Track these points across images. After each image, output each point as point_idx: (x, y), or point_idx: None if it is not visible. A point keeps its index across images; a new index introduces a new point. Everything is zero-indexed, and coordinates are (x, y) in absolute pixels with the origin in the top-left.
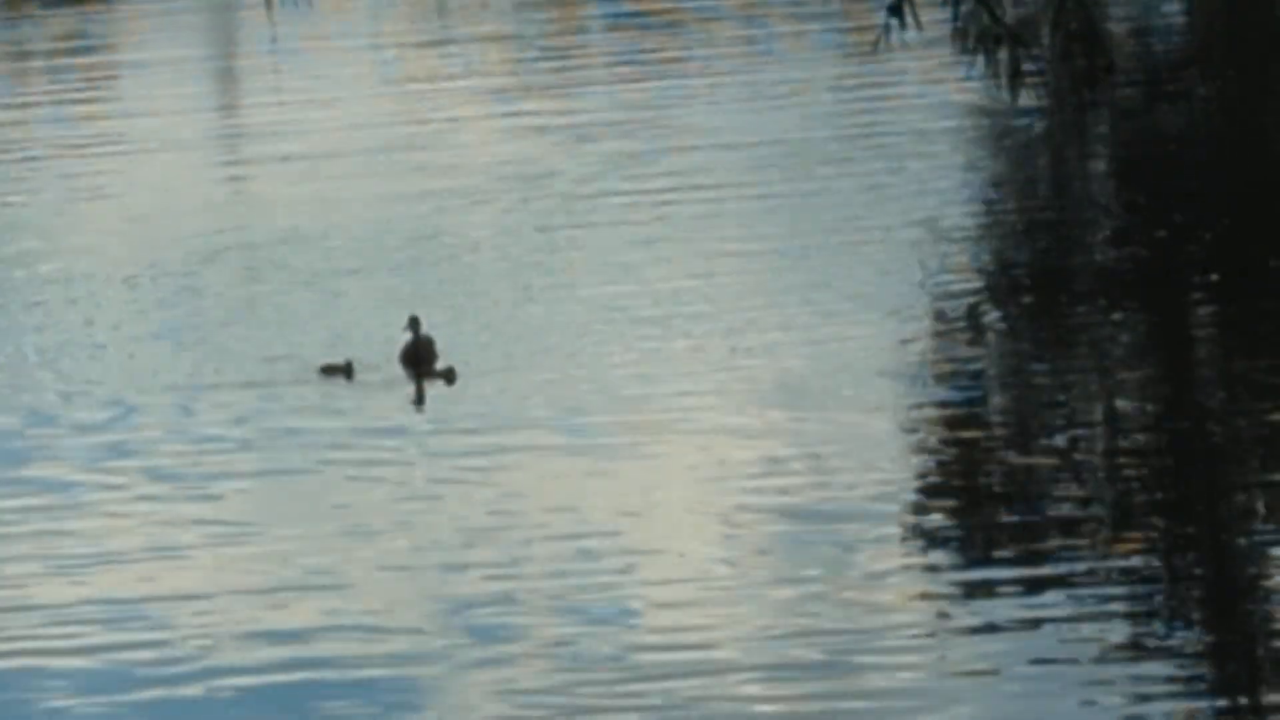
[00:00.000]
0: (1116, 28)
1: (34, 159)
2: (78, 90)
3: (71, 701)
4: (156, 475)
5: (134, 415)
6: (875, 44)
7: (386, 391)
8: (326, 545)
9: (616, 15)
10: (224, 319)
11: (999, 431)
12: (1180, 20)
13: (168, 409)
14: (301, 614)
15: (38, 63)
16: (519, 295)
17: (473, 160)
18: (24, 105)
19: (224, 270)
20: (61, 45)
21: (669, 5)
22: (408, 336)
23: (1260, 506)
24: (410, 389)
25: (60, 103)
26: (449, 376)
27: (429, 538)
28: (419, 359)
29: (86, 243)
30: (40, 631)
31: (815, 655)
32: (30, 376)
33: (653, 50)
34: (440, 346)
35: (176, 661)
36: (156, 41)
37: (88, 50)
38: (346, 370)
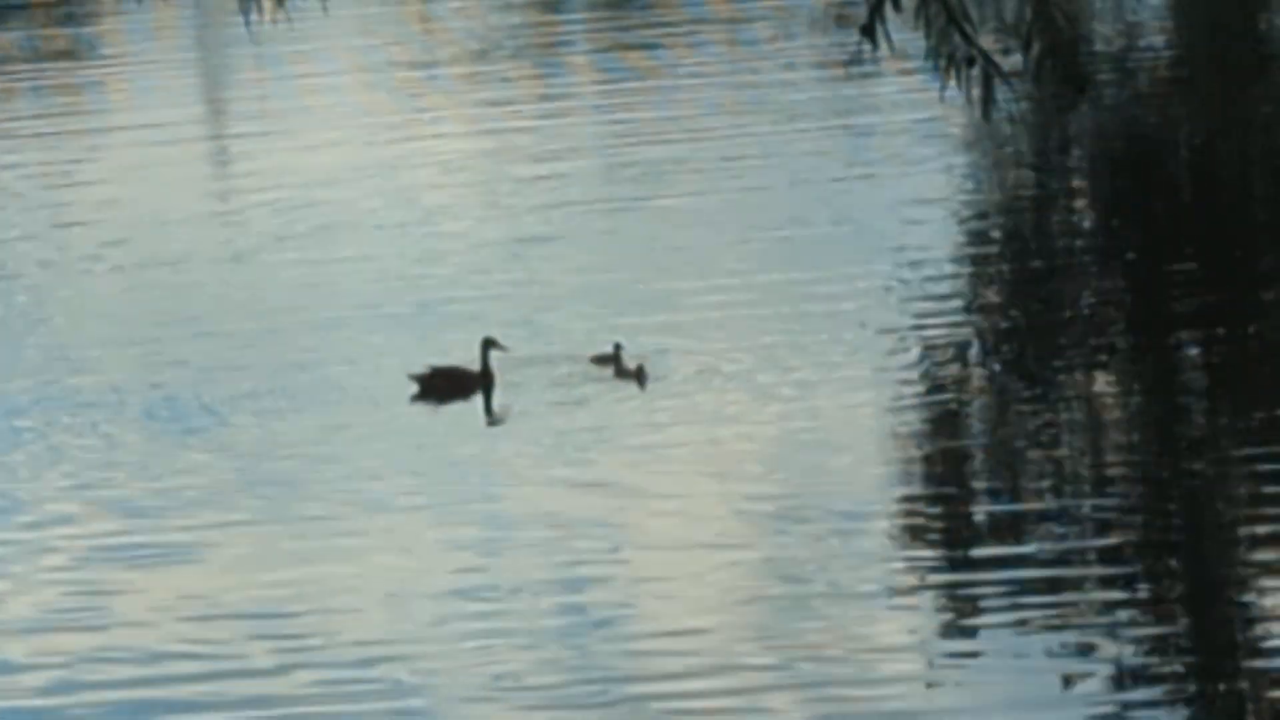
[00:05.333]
0: (1094, 45)
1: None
2: (56, 108)
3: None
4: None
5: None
6: (848, 65)
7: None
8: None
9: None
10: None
11: (988, 455)
12: (1160, 35)
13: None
14: (304, 610)
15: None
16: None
17: (458, 184)
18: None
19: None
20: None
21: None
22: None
23: (1249, 532)
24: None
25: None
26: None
27: (423, 559)
28: (488, 380)
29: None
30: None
31: (802, 650)
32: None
33: (637, 79)
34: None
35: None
36: (135, 52)
37: (68, 62)
38: (615, 358)
